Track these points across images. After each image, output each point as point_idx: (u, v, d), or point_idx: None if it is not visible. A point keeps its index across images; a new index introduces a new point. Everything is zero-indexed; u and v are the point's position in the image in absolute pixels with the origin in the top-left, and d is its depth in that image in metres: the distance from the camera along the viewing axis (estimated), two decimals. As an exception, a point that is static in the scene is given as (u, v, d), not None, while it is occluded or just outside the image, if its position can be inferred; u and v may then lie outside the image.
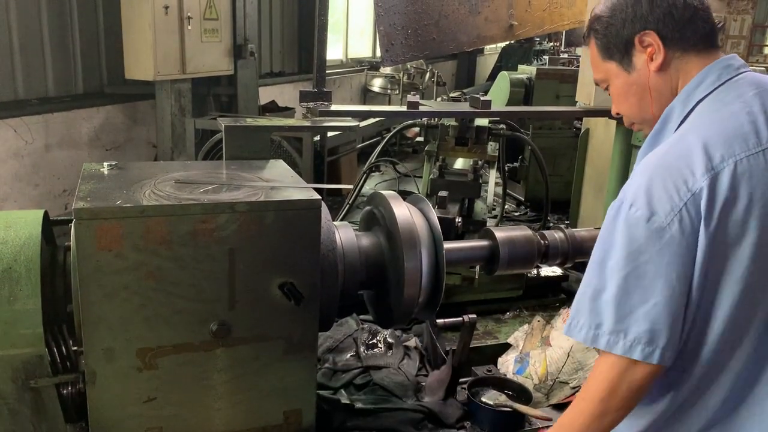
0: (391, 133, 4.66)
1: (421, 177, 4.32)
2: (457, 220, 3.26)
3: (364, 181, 4.49)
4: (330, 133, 5.91)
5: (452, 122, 3.88)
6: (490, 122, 4.06)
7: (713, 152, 1.29)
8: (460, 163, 4.86)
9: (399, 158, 8.27)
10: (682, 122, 1.42)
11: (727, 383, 1.37)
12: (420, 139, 4.18)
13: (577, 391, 2.50)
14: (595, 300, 1.36)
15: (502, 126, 4.16)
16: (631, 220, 1.31)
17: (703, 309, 1.32)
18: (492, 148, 4.02)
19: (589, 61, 3.20)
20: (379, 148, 4.54)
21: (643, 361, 1.30)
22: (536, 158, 4.38)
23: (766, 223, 1.27)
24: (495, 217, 4.79)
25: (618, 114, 1.60)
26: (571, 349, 2.62)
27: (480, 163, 4.10)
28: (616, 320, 1.32)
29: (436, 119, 3.94)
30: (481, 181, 3.97)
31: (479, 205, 4.11)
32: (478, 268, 3.36)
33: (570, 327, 1.40)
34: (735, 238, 1.28)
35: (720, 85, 1.40)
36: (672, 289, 1.29)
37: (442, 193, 3.36)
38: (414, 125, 4.37)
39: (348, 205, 4.37)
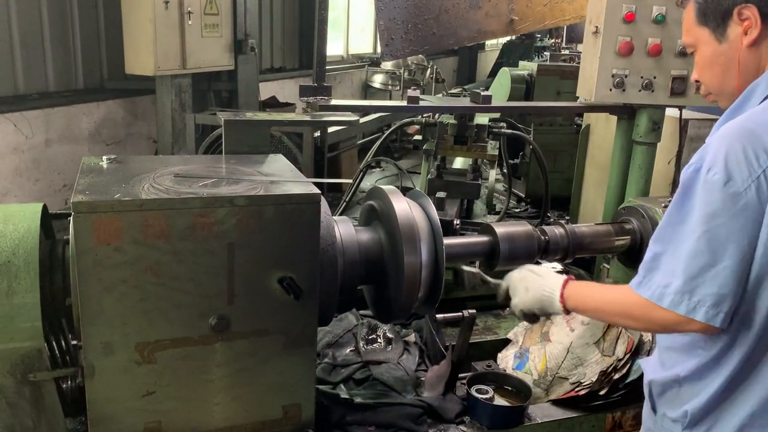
0: (390, 129, 4.64)
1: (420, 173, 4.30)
2: (455, 222, 3.23)
3: (362, 178, 4.48)
4: (330, 129, 5.89)
5: (451, 120, 3.82)
6: (490, 120, 4.02)
7: None
8: (459, 162, 4.83)
9: (400, 155, 8.28)
10: (764, 99, 1.42)
11: None
12: (418, 137, 4.14)
13: (577, 386, 2.50)
14: (669, 260, 1.38)
15: (502, 124, 4.13)
16: (708, 183, 1.32)
17: (761, 278, 1.33)
18: (492, 146, 3.97)
19: (589, 57, 3.17)
20: (377, 144, 4.53)
21: (706, 323, 1.32)
22: (536, 155, 4.36)
23: None
24: (498, 213, 4.77)
25: (696, 81, 1.60)
26: (570, 345, 2.61)
27: (479, 162, 4.07)
28: (685, 281, 1.34)
29: (436, 116, 3.90)
30: (480, 181, 3.94)
31: (479, 206, 4.08)
32: (478, 263, 3.35)
33: (639, 284, 1.43)
34: None
35: None
36: (742, 254, 1.30)
37: (440, 194, 3.31)
38: (412, 123, 4.34)
39: (345, 202, 4.35)
